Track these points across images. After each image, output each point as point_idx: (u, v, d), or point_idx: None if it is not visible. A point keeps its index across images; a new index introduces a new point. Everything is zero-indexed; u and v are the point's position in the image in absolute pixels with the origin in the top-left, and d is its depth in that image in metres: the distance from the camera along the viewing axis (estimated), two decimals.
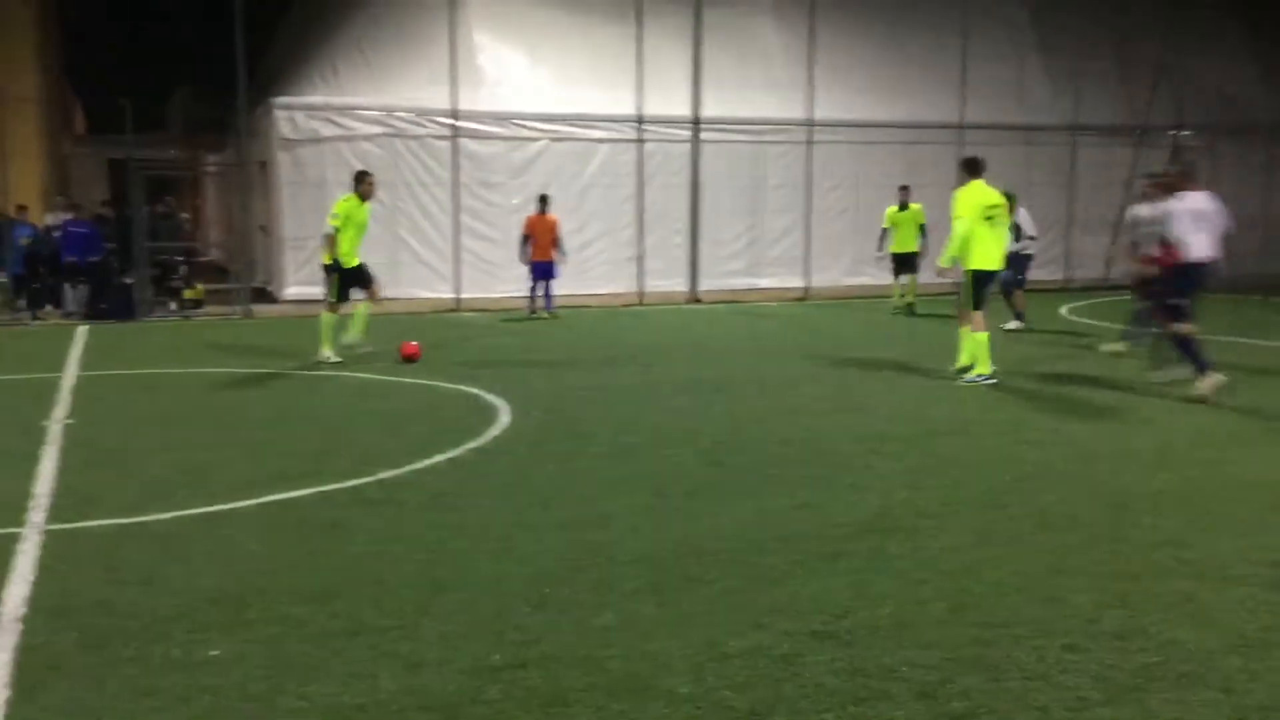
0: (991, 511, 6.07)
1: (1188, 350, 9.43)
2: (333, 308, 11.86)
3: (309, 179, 18.07)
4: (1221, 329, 13.97)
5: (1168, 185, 10.23)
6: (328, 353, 11.69)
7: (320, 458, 7.40)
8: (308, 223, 18.17)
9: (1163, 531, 5.68)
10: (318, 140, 18.13)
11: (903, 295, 17.36)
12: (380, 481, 6.73)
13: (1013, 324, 14.51)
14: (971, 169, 10.65)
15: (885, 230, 17.62)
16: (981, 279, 10.33)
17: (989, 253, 10.29)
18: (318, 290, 18.16)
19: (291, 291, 18.18)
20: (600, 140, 19.68)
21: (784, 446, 7.72)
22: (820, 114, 20.72)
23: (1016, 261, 13.99)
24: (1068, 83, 22.56)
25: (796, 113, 20.62)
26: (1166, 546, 5.43)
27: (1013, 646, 4.21)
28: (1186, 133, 23.80)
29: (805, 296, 20.37)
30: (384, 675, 3.97)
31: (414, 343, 12.04)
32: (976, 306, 10.29)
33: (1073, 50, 22.53)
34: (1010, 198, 12.59)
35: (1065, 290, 21.23)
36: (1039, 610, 4.58)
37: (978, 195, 10.40)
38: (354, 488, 6.59)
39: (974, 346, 10.41)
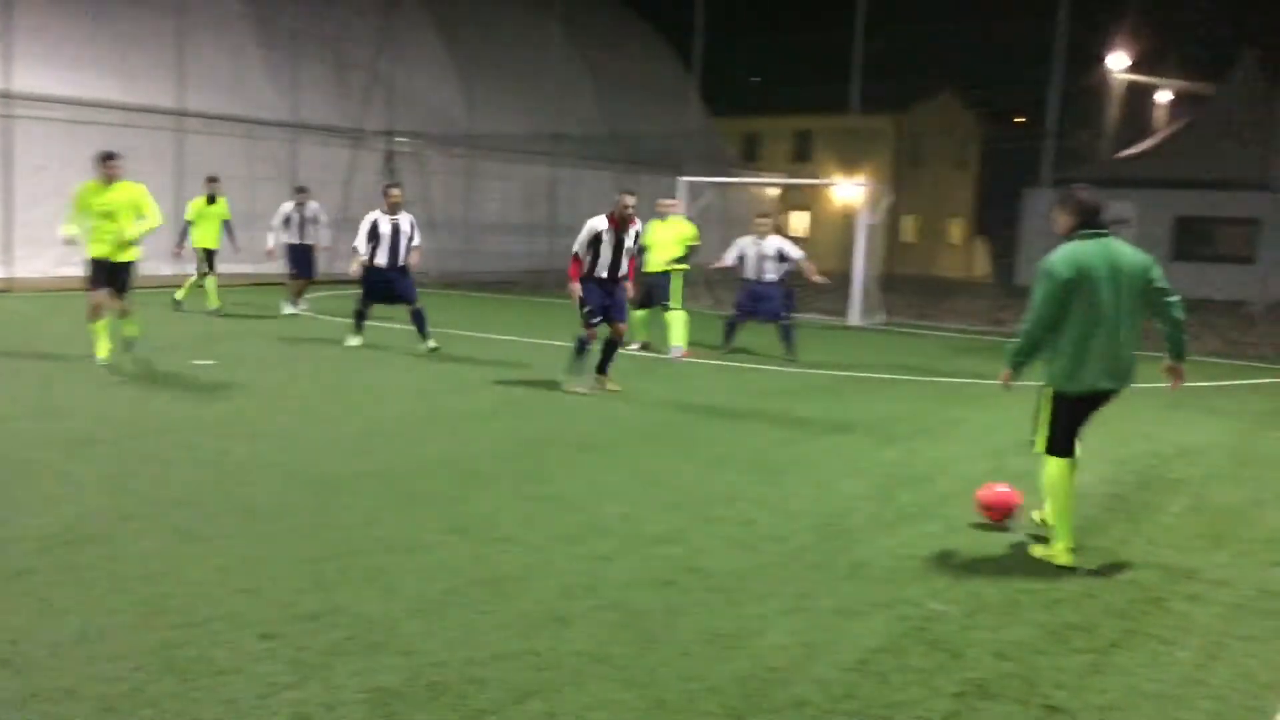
0: (196, 509, 5.94)
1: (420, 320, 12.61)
2: None
3: None
4: (454, 323, 15.35)
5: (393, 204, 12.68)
6: None
7: None
8: None
9: (361, 512, 6.04)
10: None
11: (198, 285, 16.08)
12: None
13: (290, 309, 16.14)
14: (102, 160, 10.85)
15: (188, 224, 15.90)
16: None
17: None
18: None
19: None
20: None
21: None
22: (20, 86, 18.59)
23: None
24: (288, 80, 23.00)
25: None
26: (363, 526, 5.78)
27: (208, 644, 4.15)
28: (401, 139, 25.77)
29: (8, 289, 18.16)
30: None
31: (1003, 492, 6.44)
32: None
33: (291, 49, 23.04)
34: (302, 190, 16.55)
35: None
36: (237, 603, 4.58)
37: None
38: None
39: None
